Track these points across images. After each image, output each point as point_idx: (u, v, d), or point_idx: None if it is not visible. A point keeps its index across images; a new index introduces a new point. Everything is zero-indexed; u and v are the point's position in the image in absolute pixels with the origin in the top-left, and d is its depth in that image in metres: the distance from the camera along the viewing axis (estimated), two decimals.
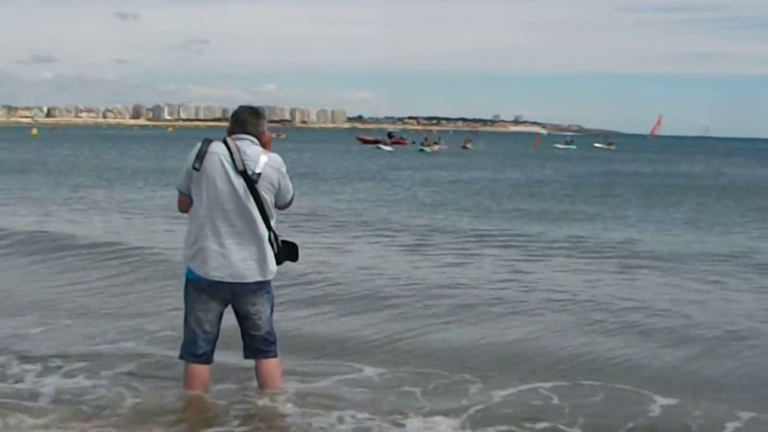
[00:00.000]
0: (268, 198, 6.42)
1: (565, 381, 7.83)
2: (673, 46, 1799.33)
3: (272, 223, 6.50)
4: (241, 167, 6.29)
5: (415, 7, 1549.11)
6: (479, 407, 6.98)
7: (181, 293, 6.68)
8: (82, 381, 7.38)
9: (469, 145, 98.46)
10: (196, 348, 6.55)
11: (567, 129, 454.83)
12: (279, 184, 6.47)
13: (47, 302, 10.90)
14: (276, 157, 6.50)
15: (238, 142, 6.39)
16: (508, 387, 7.57)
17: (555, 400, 7.27)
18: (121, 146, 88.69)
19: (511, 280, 13.21)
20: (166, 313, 10.05)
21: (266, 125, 6.68)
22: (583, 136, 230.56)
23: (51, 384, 7.26)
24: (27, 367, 7.72)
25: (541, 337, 9.72)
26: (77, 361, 7.96)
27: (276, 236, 6.53)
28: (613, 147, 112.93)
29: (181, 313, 6.71)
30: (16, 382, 7.31)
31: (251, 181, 6.30)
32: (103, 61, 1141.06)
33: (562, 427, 6.61)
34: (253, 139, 6.47)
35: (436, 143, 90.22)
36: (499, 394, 7.36)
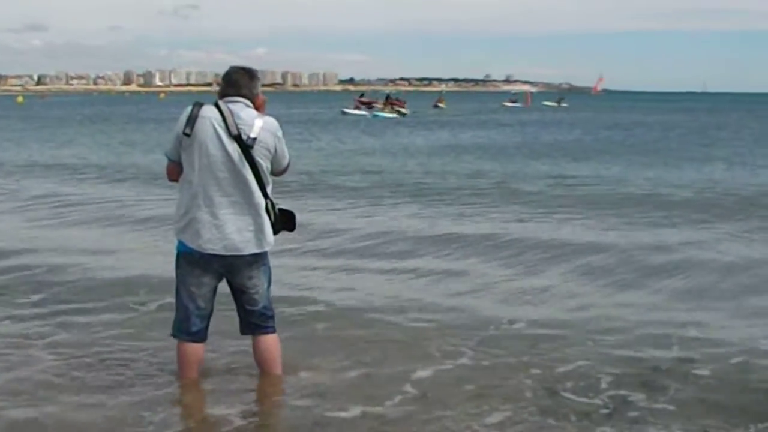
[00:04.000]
0: (264, 164, 6.00)
1: None
2: (668, 3, 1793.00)
3: (268, 190, 6.08)
4: (234, 132, 5.86)
5: None
6: None
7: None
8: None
9: (441, 104, 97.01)
10: (190, 325, 6.14)
11: (558, 87, 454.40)
12: (275, 149, 6.06)
13: None
14: (271, 121, 6.07)
15: (231, 105, 5.96)
16: None
17: None
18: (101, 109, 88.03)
19: None
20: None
21: (260, 87, 6.24)
22: (576, 94, 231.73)
23: None
24: None
25: None
26: None
27: (273, 204, 6.12)
28: (564, 105, 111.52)
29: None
30: None
31: (246, 147, 5.88)
32: (94, 28, 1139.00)
33: None
34: (247, 101, 6.04)
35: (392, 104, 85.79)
36: None
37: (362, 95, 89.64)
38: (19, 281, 10.12)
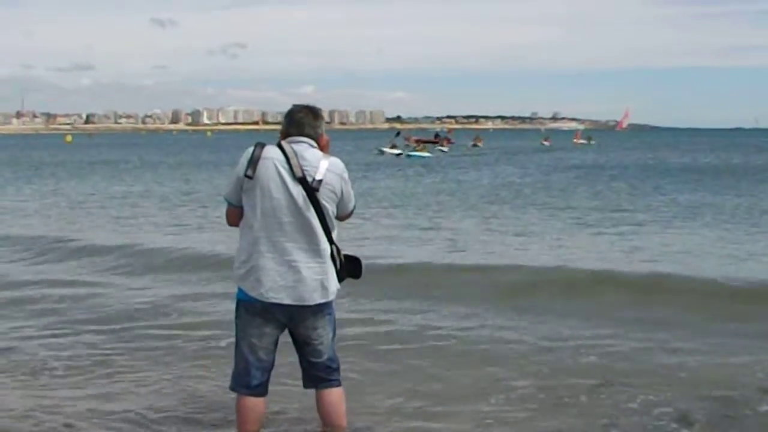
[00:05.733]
0: (330, 208, 5.67)
1: None
2: (708, 39, 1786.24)
3: (334, 235, 5.74)
4: (299, 174, 5.54)
5: (447, 6, 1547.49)
6: None
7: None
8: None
9: (479, 143, 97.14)
10: (250, 378, 5.78)
11: (604, 125, 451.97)
12: (342, 192, 5.72)
13: None
14: (337, 162, 5.75)
15: (295, 146, 5.64)
16: None
17: None
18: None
19: None
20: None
21: (324, 126, 5.91)
22: (633, 132, 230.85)
23: None
24: None
25: None
26: None
27: (338, 250, 5.77)
28: (592, 142, 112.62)
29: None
30: None
31: (311, 189, 5.55)
32: (141, 67, 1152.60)
33: None
34: (312, 141, 5.72)
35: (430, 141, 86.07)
36: None
37: (398, 134, 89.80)
38: None
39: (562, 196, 30.11)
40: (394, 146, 77.83)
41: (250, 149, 5.64)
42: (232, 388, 5.90)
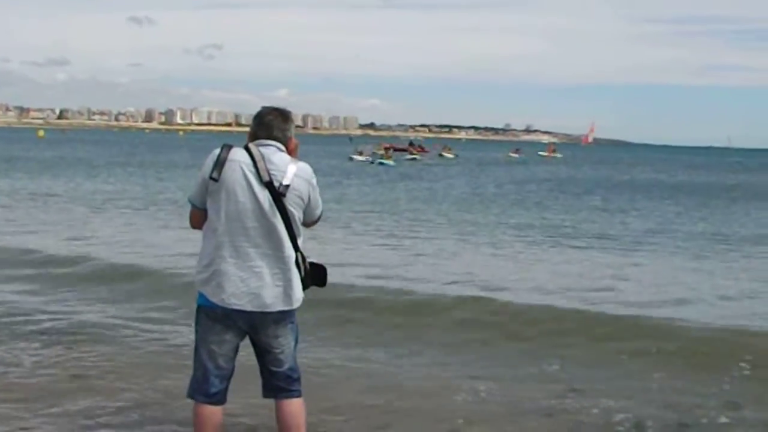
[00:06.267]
0: (296, 214, 5.49)
1: None
2: (685, 57, 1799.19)
3: (299, 242, 5.56)
4: (266, 178, 5.36)
5: (427, 16, 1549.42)
6: None
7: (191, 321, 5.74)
8: None
9: (447, 153, 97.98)
10: (209, 386, 5.59)
11: (578, 138, 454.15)
12: (309, 198, 5.55)
13: None
14: (306, 167, 5.58)
15: (263, 149, 5.47)
16: None
17: None
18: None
19: None
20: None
21: (294, 129, 5.76)
22: (596, 146, 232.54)
23: None
24: None
25: None
26: None
27: (303, 258, 5.60)
28: (558, 155, 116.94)
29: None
30: None
31: (278, 195, 5.38)
32: (117, 65, 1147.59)
33: None
34: (280, 145, 5.54)
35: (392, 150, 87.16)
36: None
37: (351, 139, 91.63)
38: None
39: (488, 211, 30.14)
40: (361, 153, 78.85)
41: (217, 151, 5.47)
42: (190, 396, 5.70)
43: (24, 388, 7.52)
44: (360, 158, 76.73)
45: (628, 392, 8.02)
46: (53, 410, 6.93)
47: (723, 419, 7.31)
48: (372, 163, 71.41)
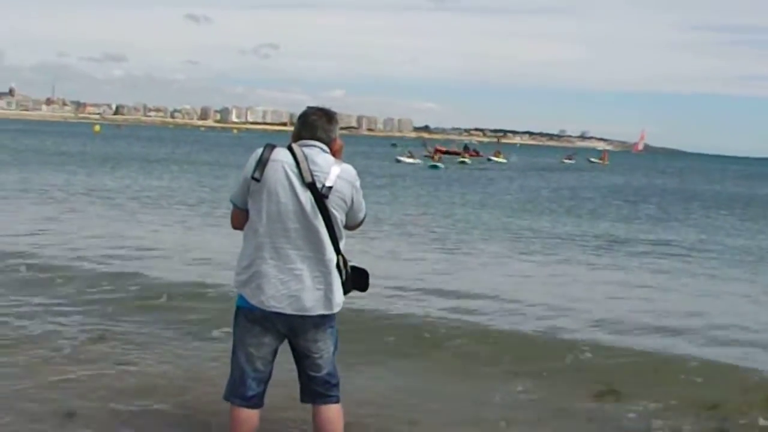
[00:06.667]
0: (339, 216, 5.38)
1: None
2: (740, 66, 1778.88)
3: (341, 245, 5.46)
4: (309, 179, 5.26)
5: (484, 20, 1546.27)
6: None
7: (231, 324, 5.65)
8: None
9: (497, 158, 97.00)
10: (246, 389, 5.51)
11: (631, 146, 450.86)
12: (352, 200, 5.44)
13: None
14: (349, 169, 5.47)
15: (306, 150, 5.37)
16: None
17: None
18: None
19: None
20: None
21: (338, 131, 5.65)
22: (649, 154, 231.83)
23: None
24: None
25: None
26: None
27: (345, 261, 5.50)
28: (606, 162, 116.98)
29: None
30: None
31: (320, 196, 5.27)
32: (173, 62, 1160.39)
33: None
34: (323, 146, 5.43)
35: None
36: None
37: (394, 145, 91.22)
38: None
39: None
40: (411, 155, 78.36)
41: (259, 150, 5.38)
42: (226, 398, 5.62)
43: None
44: (408, 160, 76.21)
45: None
46: None
47: (762, 422, 7.13)
48: (421, 164, 70.81)
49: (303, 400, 5.73)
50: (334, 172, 5.35)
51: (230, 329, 5.60)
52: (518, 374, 8.58)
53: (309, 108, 5.61)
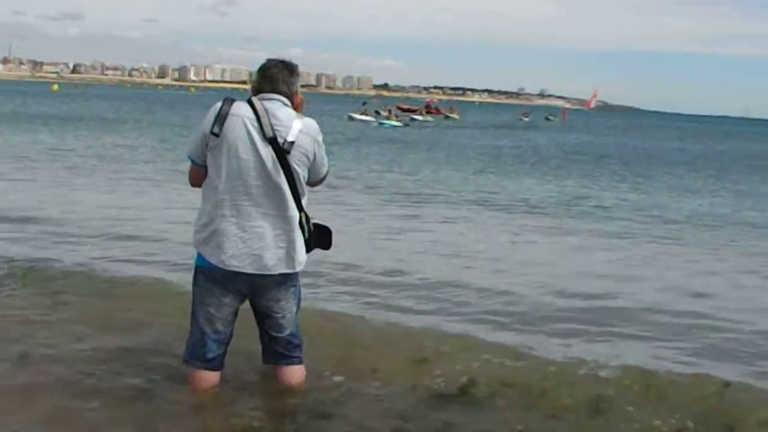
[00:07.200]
0: (301, 172, 5.21)
1: None
2: (701, 27, 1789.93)
3: (303, 202, 5.30)
4: (270, 134, 5.07)
5: None
6: None
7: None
8: None
9: (453, 115, 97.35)
10: (205, 351, 5.36)
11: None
12: (314, 156, 5.26)
13: None
14: (311, 123, 5.28)
15: (267, 103, 5.17)
16: None
17: None
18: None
19: None
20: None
21: (299, 84, 5.45)
22: (608, 113, 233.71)
23: None
24: None
25: None
26: None
27: (308, 218, 5.34)
28: (556, 119, 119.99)
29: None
30: None
31: (282, 152, 5.09)
32: (130, 20, 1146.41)
33: None
34: (285, 99, 5.24)
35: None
36: None
37: (364, 103, 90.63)
38: None
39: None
40: (365, 113, 77.68)
41: (218, 104, 5.17)
42: (186, 361, 5.48)
43: None
44: (360, 117, 75.46)
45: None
46: None
47: None
48: (375, 123, 69.88)
49: (265, 361, 5.62)
50: (296, 126, 5.16)
51: None
52: None
53: (269, 60, 5.40)
